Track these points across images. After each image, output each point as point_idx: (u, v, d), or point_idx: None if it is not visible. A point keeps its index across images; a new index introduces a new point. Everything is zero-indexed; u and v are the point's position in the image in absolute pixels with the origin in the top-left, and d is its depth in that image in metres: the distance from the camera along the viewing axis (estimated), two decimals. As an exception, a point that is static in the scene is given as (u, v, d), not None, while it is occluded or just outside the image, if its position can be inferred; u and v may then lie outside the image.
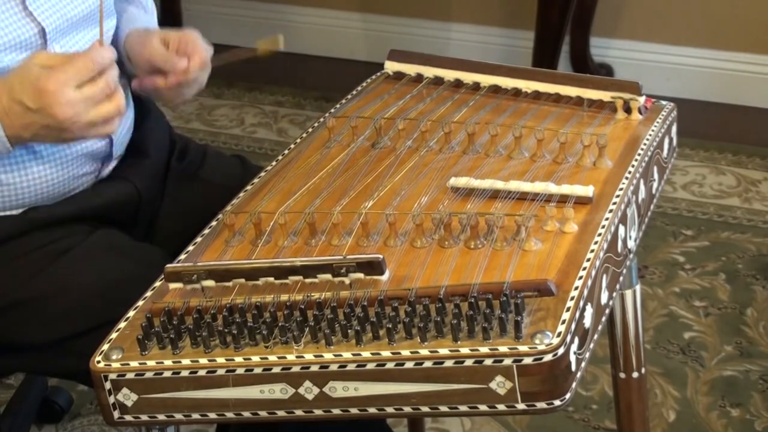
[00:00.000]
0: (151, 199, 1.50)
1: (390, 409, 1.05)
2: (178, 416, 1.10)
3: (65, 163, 1.39)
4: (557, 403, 1.03)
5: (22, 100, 1.22)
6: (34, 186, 1.38)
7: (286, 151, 1.42)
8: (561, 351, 1.01)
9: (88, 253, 1.37)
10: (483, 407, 1.03)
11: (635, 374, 1.51)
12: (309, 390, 1.06)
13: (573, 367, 1.03)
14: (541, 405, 1.02)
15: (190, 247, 1.24)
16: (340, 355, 1.04)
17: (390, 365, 1.03)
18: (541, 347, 1.01)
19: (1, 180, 1.36)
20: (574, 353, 1.04)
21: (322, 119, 1.49)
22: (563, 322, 1.03)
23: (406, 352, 1.03)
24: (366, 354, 1.04)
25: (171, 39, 1.44)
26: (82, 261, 1.35)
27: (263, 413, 1.08)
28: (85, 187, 1.43)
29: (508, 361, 1.01)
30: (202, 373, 1.07)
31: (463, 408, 1.04)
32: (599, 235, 1.16)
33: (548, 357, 1.00)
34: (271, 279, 1.13)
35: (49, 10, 1.34)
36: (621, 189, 1.25)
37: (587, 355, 1.09)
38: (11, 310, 1.34)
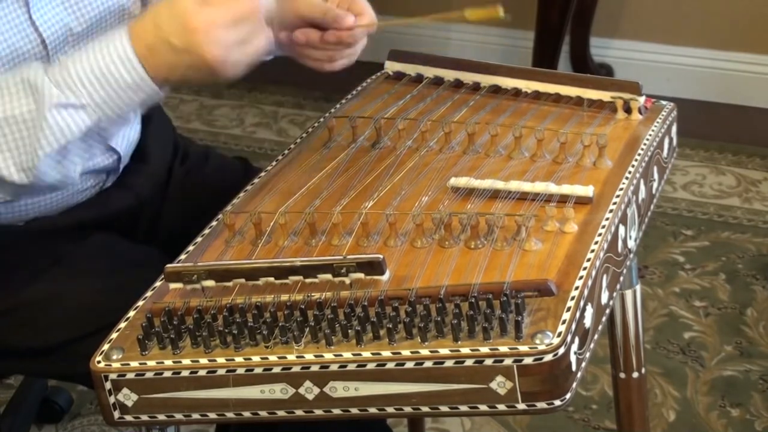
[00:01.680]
0: (152, 205, 1.50)
1: (390, 409, 1.05)
2: (178, 416, 1.10)
3: None
4: (557, 403, 1.03)
5: (169, 39, 1.14)
6: (36, 203, 1.37)
7: (286, 151, 1.42)
8: (561, 351, 1.01)
9: (85, 257, 1.36)
10: (483, 407, 1.03)
11: (635, 374, 1.51)
12: (309, 390, 1.06)
13: (573, 367, 1.03)
14: (541, 405, 1.02)
15: (190, 247, 1.24)
16: (341, 355, 1.04)
17: (390, 365, 1.03)
18: (542, 347, 1.01)
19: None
20: (575, 353, 1.04)
21: (322, 119, 1.49)
22: (563, 322, 1.03)
23: (406, 352, 1.03)
24: (366, 354, 1.04)
25: None
26: (79, 265, 1.35)
27: (263, 413, 1.08)
28: (87, 198, 1.43)
29: (508, 361, 1.01)
30: (202, 373, 1.07)
31: (463, 408, 1.04)
32: (599, 235, 1.16)
33: (548, 357, 1.00)
34: (272, 279, 1.13)
35: (52, 19, 1.32)
36: (621, 189, 1.25)
37: (587, 355, 1.09)
38: (10, 314, 1.34)
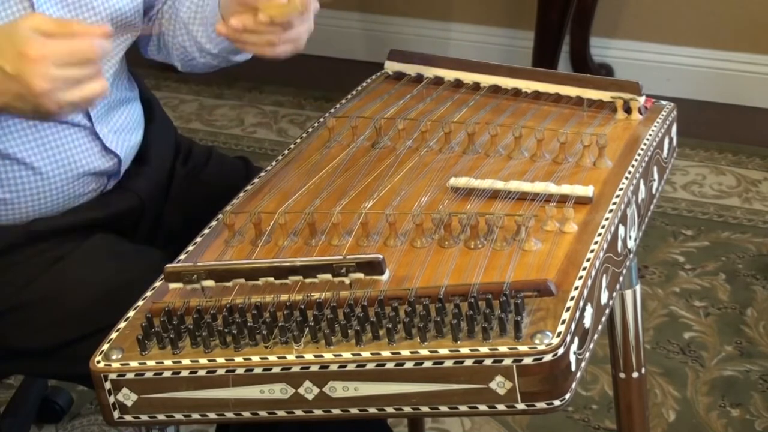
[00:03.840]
0: (154, 206, 1.50)
1: (390, 409, 1.05)
2: (178, 416, 1.10)
3: (69, 183, 1.38)
4: (557, 403, 1.03)
5: (2, 65, 1.13)
6: (37, 204, 1.37)
7: (286, 151, 1.42)
8: (561, 351, 1.01)
9: (85, 257, 1.36)
10: (483, 407, 1.03)
11: (635, 374, 1.51)
12: (309, 390, 1.06)
13: (573, 367, 1.03)
14: (541, 405, 1.02)
15: (190, 247, 1.24)
16: (340, 355, 1.04)
17: (390, 365, 1.03)
18: (541, 347, 1.01)
19: (5, 199, 1.35)
20: (574, 353, 1.04)
21: (322, 119, 1.49)
22: (563, 322, 1.03)
23: (406, 352, 1.03)
24: (366, 354, 1.04)
25: None
26: (79, 266, 1.35)
27: (263, 413, 1.08)
28: (89, 200, 1.43)
29: (508, 361, 1.01)
30: (202, 373, 1.07)
31: (463, 408, 1.04)
32: (599, 235, 1.16)
33: (548, 357, 1.00)
34: (271, 279, 1.13)
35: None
36: (621, 189, 1.24)
37: (587, 355, 1.09)
38: (10, 315, 1.34)
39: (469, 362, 1.01)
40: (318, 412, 1.07)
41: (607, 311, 1.18)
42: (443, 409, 1.04)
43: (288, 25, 1.30)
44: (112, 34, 1.18)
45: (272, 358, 1.06)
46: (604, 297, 1.16)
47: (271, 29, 1.30)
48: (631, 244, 1.28)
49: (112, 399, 1.09)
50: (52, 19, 1.18)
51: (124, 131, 1.45)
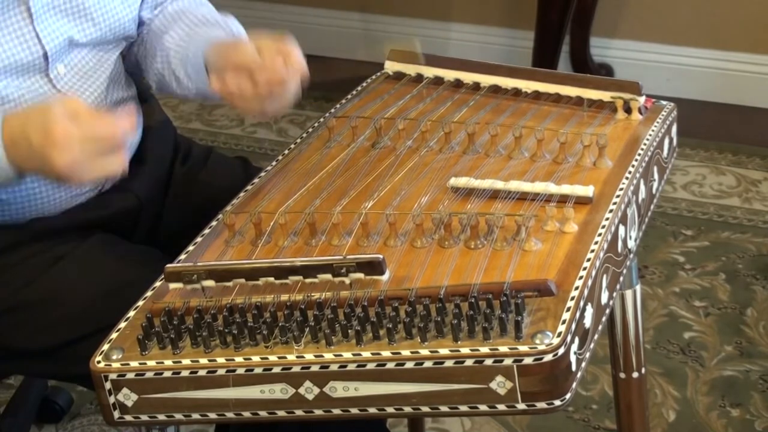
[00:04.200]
0: (153, 206, 1.50)
1: (390, 409, 1.05)
2: (178, 416, 1.10)
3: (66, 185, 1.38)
4: (557, 403, 1.03)
5: (30, 137, 1.19)
6: (35, 204, 1.37)
7: (286, 151, 1.42)
8: (561, 351, 1.01)
9: (84, 258, 1.36)
10: (483, 407, 1.03)
11: (635, 374, 1.51)
12: (309, 390, 1.06)
13: (573, 367, 1.03)
14: (541, 405, 1.02)
15: (190, 247, 1.24)
16: (341, 355, 1.04)
17: (390, 365, 1.03)
18: (542, 347, 1.01)
19: (3, 199, 1.36)
20: (575, 353, 1.04)
21: (322, 119, 1.49)
22: (563, 322, 1.03)
23: (406, 352, 1.03)
24: (366, 354, 1.04)
25: (265, 44, 1.33)
26: (78, 266, 1.35)
27: (263, 413, 1.08)
28: (87, 200, 1.43)
29: (508, 361, 1.01)
30: (202, 373, 1.07)
31: (463, 408, 1.04)
32: (599, 235, 1.16)
33: (548, 357, 1.00)
34: (271, 279, 1.13)
35: (55, 32, 1.33)
36: (621, 189, 1.24)
37: (587, 355, 1.09)
38: (10, 315, 1.34)
39: (469, 362, 1.01)
40: (318, 412, 1.07)
41: (608, 311, 1.18)
42: (443, 409, 1.04)
43: (283, 84, 1.32)
44: (136, 125, 1.24)
45: (272, 358, 1.06)
46: (604, 297, 1.16)
47: (266, 96, 1.32)
48: (631, 244, 1.28)
49: (112, 399, 1.09)
50: (86, 105, 1.22)
51: None
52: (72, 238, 1.38)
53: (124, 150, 1.21)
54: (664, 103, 1.46)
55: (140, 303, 1.16)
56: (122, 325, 1.13)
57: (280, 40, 1.33)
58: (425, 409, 1.05)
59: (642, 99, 1.41)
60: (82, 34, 1.37)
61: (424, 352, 1.03)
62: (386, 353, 1.03)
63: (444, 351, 1.02)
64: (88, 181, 1.26)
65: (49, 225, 1.39)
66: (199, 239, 1.26)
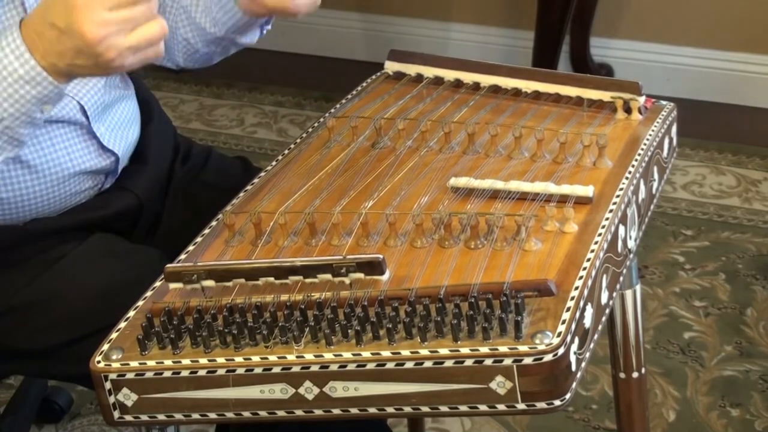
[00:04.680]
0: (152, 206, 1.50)
1: (390, 409, 1.05)
2: (178, 416, 1.10)
3: (64, 181, 1.38)
4: (557, 403, 1.03)
5: (53, 20, 1.11)
6: (34, 203, 1.37)
7: (286, 151, 1.42)
8: (561, 351, 1.01)
9: (83, 258, 1.36)
10: (483, 407, 1.03)
11: (635, 374, 1.51)
12: (309, 390, 1.06)
13: (573, 367, 1.03)
14: (541, 405, 1.02)
15: (190, 247, 1.24)
16: (340, 355, 1.04)
17: (390, 365, 1.03)
18: (541, 347, 1.01)
19: (2, 198, 1.35)
20: (574, 353, 1.04)
21: (322, 119, 1.49)
22: (563, 322, 1.03)
23: (406, 352, 1.03)
24: (366, 354, 1.04)
25: None
26: (78, 267, 1.35)
27: (263, 413, 1.08)
28: (87, 199, 1.43)
29: (508, 361, 1.01)
30: (202, 373, 1.07)
31: (463, 408, 1.04)
32: (599, 235, 1.16)
33: (548, 357, 1.00)
34: (271, 279, 1.13)
35: None
36: (621, 189, 1.24)
37: (587, 355, 1.09)
38: (10, 315, 1.34)
39: (469, 362, 1.01)
40: (318, 412, 1.07)
41: (607, 311, 1.18)
42: (443, 409, 1.04)
43: None
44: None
45: (272, 358, 1.06)
46: (604, 297, 1.16)
47: None
48: (631, 244, 1.28)
49: (112, 399, 1.09)
50: None
51: (120, 128, 1.45)
52: (72, 238, 1.38)
53: (155, 12, 1.12)
54: (664, 103, 1.46)
55: (140, 303, 1.16)
56: (122, 325, 1.13)
57: None
58: (425, 409, 1.05)
59: (642, 99, 1.41)
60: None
61: (424, 352, 1.03)
62: (386, 353, 1.03)
63: (444, 351, 1.02)
64: (130, 56, 1.12)
65: (49, 225, 1.39)
66: (199, 239, 1.26)
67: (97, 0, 1.09)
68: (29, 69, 1.15)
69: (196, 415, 1.09)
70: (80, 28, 1.09)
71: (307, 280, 1.12)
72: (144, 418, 1.10)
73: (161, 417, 1.10)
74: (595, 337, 1.12)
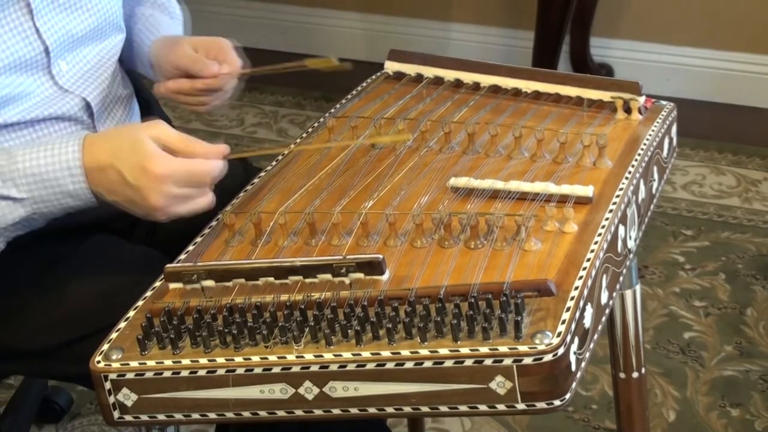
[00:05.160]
0: None
1: (390, 409, 1.05)
2: (178, 416, 1.10)
3: None
4: (557, 403, 1.03)
5: (123, 171, 1.18)
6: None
7: (286, 151, 1.42)
8: (561, 351, 1.01)
9: (84, 258, 1.36)
10: (483, 407, 1.03)
11: (635, 374, 1.51)
12: (309, 390, 1.06)
13: (573, 367, 1.03)
14: (541, 405, 1.02)
15: (190, 247, 1.24)
16: (340, 355, 1.04)
17: (390, 365, 1.03)
18: (541, 347, 1.01)
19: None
20: (574, 353, 1.04)
21: (322, 119, 1.49)
22: (563, 322, 1.03)
23: (406, 352, 1.03)
24: (366, 354, 1.04)
25: (201, 45, 1.44)
26: (78, 267, 1.35)
27: (263, 413, 1.08)
28: None
29: (508, 361, 1.01)
30: (202, 373, 1.07)
31: (463, 408, 1.04)
32: (599, 235, 1.16)
33: (548, 357, 1.00)
34: (271, 279, 1.13)
35: (55, 26, 1.34)
36: (621, 189, 1.24)
37: (587, 355, 1.09)
38: (10, 315, 1.34)
39: (469, 362, 1.01)
40: (318, 412, 1.07)
41: (607, 311, 1.18)
42: (443, 409, 1.04)
43: (221, 86, 1.44)
44: (229, 155, 1.23)
45: (272, 358, 1.06)
46: (604, 297, 1.16)
47: (204, 92, 1.43)
48: (631, 244, 1.28)
49: (112, 399, 1.09)
50: (176, 135, 1.21)
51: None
52: (72, 238, 1.38)
53: (210, 189, 1.21)
54: (664, 103, 1.46)
55: (140, 303, 1.16)
56: (122, 325, 1.13)
57: (215, 44, 1.44)
58: (425, 409, 1.05)
59: (642, 99, 1.41)
60: (80, 27, 1.38)
61: (424, 352, 1.03)
62: (386, 353, 1.03)
63: (444, 351, 1.02)
64: (175, 216, 1.22)
65: (49, 225, 1.39)
66: (198, 239, 1.26)
67: (171, 176, 1.17)
68: (79, 190, 1.21)
69: (196, 415, 1.10)
70: (148, 195, 1.18)
71: (307, 280, 1.12)
72: (144, 418, 1.10)
73: (161, 417, 1.10)
74: (595, 337, 1.12)
